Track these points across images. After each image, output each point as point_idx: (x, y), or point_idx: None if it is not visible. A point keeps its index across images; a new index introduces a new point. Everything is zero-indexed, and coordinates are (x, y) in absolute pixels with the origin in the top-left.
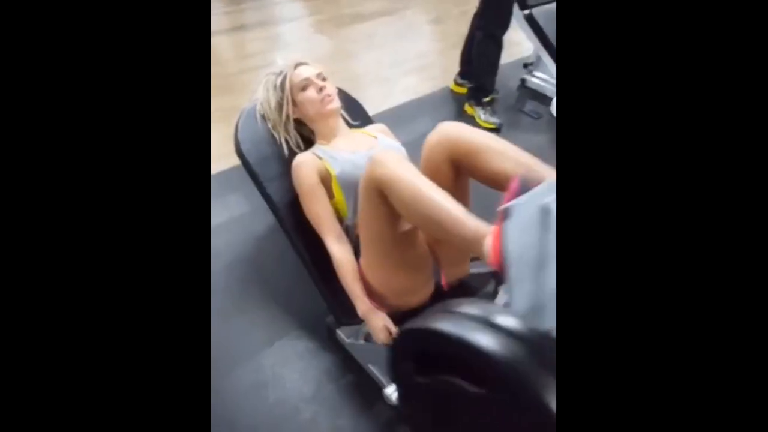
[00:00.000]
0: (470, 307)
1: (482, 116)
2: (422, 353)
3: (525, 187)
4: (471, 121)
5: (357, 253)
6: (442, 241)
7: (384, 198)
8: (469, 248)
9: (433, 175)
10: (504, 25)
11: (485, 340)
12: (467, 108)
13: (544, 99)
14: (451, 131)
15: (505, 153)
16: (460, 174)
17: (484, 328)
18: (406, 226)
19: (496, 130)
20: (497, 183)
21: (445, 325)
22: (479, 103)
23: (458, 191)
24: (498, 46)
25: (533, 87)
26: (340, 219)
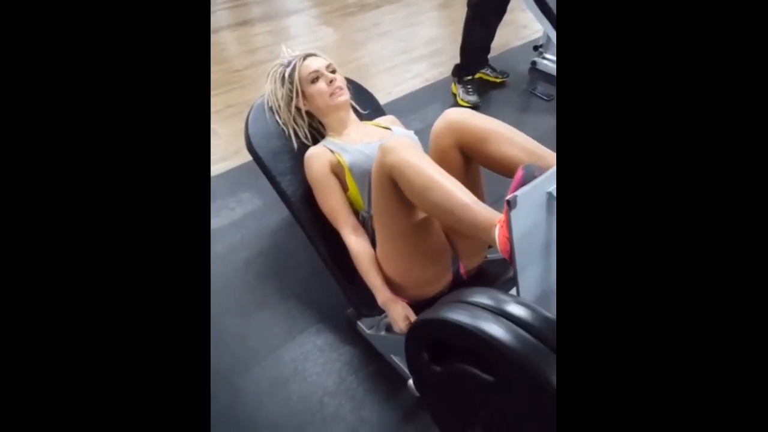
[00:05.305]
0: (481, 296)
1: (461, 95)
2: (436, 343)
3: (530, 175)
4: (454, 99)
5: (374, 244)
6: (457, 230)
7: (396, 186)
8: (480, 236)
9: (442, 163)
10: (497, 10)
11: (494, 330)
12: (453, 85)
13: (556, 81)
14: (457, 118)
15: (512, 139)
16: (470, 161)
17: (494, 317)
18: (420, 215)
19: (474, 108)
20: (505, 169)
21: (456, 315)
22: (460, 81)
23: (470, 179)
24: (486, 29)
25: (544, 69)
26: (356, 211)
